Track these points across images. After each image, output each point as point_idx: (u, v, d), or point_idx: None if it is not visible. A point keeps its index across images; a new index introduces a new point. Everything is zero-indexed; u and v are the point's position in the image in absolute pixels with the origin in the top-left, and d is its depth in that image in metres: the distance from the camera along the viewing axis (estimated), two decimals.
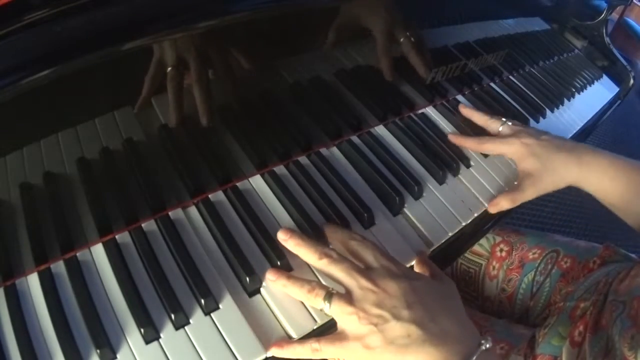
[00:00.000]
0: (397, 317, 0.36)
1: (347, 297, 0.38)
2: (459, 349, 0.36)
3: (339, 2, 0.48)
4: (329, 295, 0.38)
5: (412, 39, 0.55)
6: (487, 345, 0.37)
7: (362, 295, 0.37)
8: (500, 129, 0.60)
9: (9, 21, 0.29)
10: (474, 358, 0.35)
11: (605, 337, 0.46)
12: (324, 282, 0.42)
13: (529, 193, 0.55)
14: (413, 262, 0.47)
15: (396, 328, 0.36)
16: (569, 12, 0.95)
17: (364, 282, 0.38)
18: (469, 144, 0.60)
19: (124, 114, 0.40)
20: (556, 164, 0.54)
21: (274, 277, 0.40)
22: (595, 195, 0.55)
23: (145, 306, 0.38)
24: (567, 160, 0.54)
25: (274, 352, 0.38)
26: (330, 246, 0.43)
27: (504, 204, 0.55)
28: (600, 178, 0.54)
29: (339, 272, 0.39)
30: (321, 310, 0.39)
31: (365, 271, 0.39)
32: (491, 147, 0.59)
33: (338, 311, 0.37)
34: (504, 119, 0.60)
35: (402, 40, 0.55)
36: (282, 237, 0.42)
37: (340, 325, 0.38)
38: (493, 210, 0.55)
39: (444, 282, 0.43)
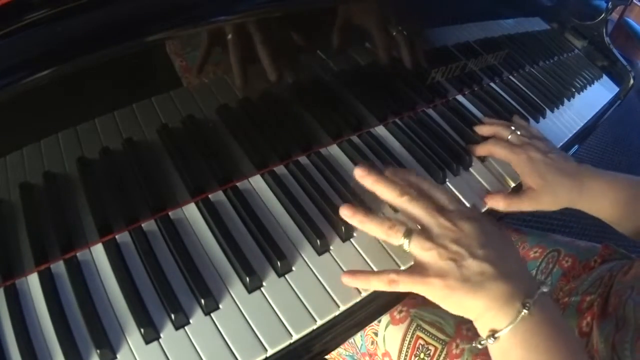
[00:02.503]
0: (473, 255, 0.38)
1: (426, 233, 0.40)
2: (523, 287, 0.38)
3: (339, 2, 0.48)
4: (409, 232, 0.40)
5: (405, 33, 0.54)
6: (545, 290, 0.39)
7: (441, 232, 0.39)
8: (509, 137, 0.59)
9: (9, 21, 0.29)
10: (536, 297, 0.37)
11: (614, 320, 0.47)
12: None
13: (526, 205, 0.55)
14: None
15: (473, 265, 0.38)
16: (569, 12, 0.95)
17: (443, 221, 0.40)
18: (481, 151, 0.60)
19: (124, 114, 0.40)
20: (558, 187, 0.53)
21: (349, 213, 0.42)
22: (593, 215, 0.55)
23: (145, 306, 0.38)
24: (569, 186, 0.53)
25: (345, 280, 0.40)
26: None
27: (499, 203, 0.55)
28: (600, 202, 0.54)
29: (419, 209, 0.41)
30: (400, 246, 0.40)
31: (443, 211, 0.41)
32: (499, 152, 0.58)
33: (418, 247, 0.39)
34: (513, 127, 0.60)
35: (395, 35, 0.55)
36: (360, 173, 0.43)
37: (420, 259, 0.40)
38: (489, 202, 0.56)
39: (505, 233, 0.46)
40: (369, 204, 0.49)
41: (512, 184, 0.60)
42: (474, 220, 0.41)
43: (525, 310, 0.37)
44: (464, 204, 0.43)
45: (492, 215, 0.57)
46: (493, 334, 0.37)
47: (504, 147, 0.57)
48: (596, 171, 0.55)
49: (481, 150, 0.60)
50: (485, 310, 0.38)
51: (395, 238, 0.40)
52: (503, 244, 0.41)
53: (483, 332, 0.39)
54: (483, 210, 0.56)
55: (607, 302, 0.50)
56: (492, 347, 0.38)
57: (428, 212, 0.40)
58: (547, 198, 0.54)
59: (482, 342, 0.39)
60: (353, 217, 0.42)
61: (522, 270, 0.41)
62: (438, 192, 0.43)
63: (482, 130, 0.62)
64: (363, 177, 0.43)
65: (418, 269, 0.40)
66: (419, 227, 0.41)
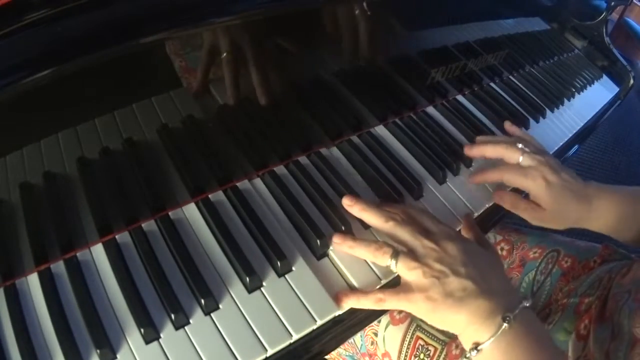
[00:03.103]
0: (455, 273, 0.40)
1: (412, 254, 0.42)
2: (504, 302, 0.40)
3: (338, 2, 0.48)
4: (395, 253, 0.42)
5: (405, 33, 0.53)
6: (527, 304, 0.40)
7: (425, 253, 0.42)
8: (521, 159, 0.55)
9: (9, 21, 0.29)
10: (517, 311, 0.39)
11: (610, 325, 0.47)
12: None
13: (529, 216, 0.55)
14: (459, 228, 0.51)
15: (455, 282, 0.40)
16: (569, 12, 0.95)
17: (427, 242, 0.42)
18: (490, 178, 0.56)
19: (124, 114, 0.40)
20: (569, 211, 0.53)
21: (339, 241, 0.44)
22: (596, 231, 0.55)
23: (145, 306, 0.38)
24: (580, 208, 0.53)
25: (343, 301, 0.42)
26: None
27: (506, 201, 0.55)
28: (605, 219, 0.53)
29: (404, 233, 0.43)
30: (387, 267, 0.42)
31: (427, 233, 0.43)
32: (512, 178, 0.54)
33: (404, 267, 0.41)
34: (520, 146, 0.55)
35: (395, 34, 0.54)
36: (348, 202, 0.46)
37: (406, 279, 0.42)
38: (496, 198, 0.56)
39: (489, 249, 0.47)
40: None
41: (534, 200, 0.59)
42: (457, 241, 0.43)
43: (505, 324, 0.38)
44: (448, 226, 0.45)
45: (488, 218, 0.56)
46: (476, 346, 0.39)
47: (519, 174, 0.54)
48: (600, 188, 0.54)
49: (490, 176, 0.56)
50: (468, 324, 0.40)
51: (383, 259, 0.42)
52: (486, 262, 0.43)
53: (467, 345, 0.41)
54: (481, 211, 0.56)
55: (605, 305, 0.50)
56: (476, 359, 0.40)
57: (413, 235, 0.43)
58: (554, 219, 0.54)
59: (467, 355, 0.40)
60: (343, 244, 0.44)
61: (504, 285, 0.43)
62: (423, 216, 0.46)
63: (487, 151, 0.57)
64: (351, 206, 0.46)
65: (403, 288, 0.42)
66: (405, 249, 0.43)
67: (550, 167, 0.53)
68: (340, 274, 0.45)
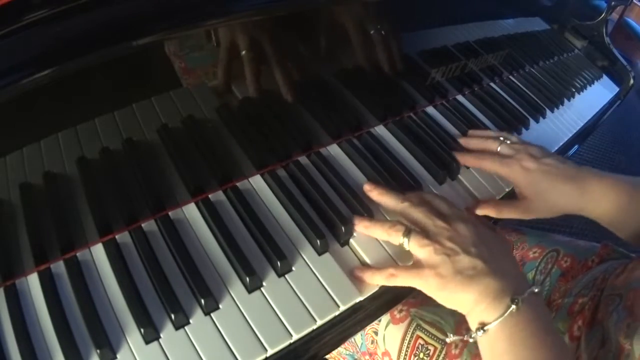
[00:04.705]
0: (466, 251, 0.41)
1: (424, 232, 0.43)
2: (514, 284, 0.40)
3: (338, 2, 0.48)
4: (408, 231, 0.43)
5: (383, 32, 0.53)
6: (536, 290, 0.40)
7: (437, 232, 0.43)
8: (499, 149, 0.56)
9: (9, 21, 0.29)
10: (525, 295, 0.39)
11: (600, 331, 0.46)
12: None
13: (520, 214, 0.54)
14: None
15: (465, 260, 0.41)
16: (569, 12, 0.95)
17: (439, 222, 0.43)
18: (468, 162, 0.58)
19: (124, 114, 0.40)
20: (557, 195, 0.52)
21: (357, 222, 0.46)
22: (594, 219, 0.53)
23: (145, 306, 0.38)
24: (567, 190, 0.52)
25: (358, 276, 0.44)
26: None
27: (489, 210, 0.55)
28: (601, 204, 0.52)
29: (418, 213, 0.45)
30: (400, 244, 0.43)
31: (440, 215, 0.45)
32: (489, 165, 0.56)
33: (416, 244, 0.42)
34: (501, 137, 0.57)
35: (395, 35, 0.54)
36: (368, 188, 0.50)
37: (417, 256, 0.43)
38: (478, 211, 0.55)
39: (500, 236, 0.47)
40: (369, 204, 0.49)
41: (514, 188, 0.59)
42: (469, 222, 0.44)
43: (513, 306, 0.39)
44: (461, 209, 0.46)
45: (488, 218, 0.56)
46: (482, 326, 0.40)
47: (493, 160, 0.55)
48: (596, 173, 0.53)
49: (469, 160, 0.58)
50: (476, 303, 0.40)
51: (396, 237, 0.43)
52: (497, 245, 0.44)
53: (473, 325, 0.41)
54: (480, 212, 0.56)
55: (598, 307, 0.49)
56: (481, 339, 0.40)
57: (426, 215, 0.44)
58: (542, 207, 0.53)
59: (473, 335, 0.41)
60: (359, 225, 0.46)
61: (515, 269, 0.43)
62: (437, 199, 0.47)
63: (470, 144, 0.60)
64: (370, 190, 0.49)
65: (415, 265, 0.43)
66: (418, 229, 0.44)
67: (529, 155, 0.54)
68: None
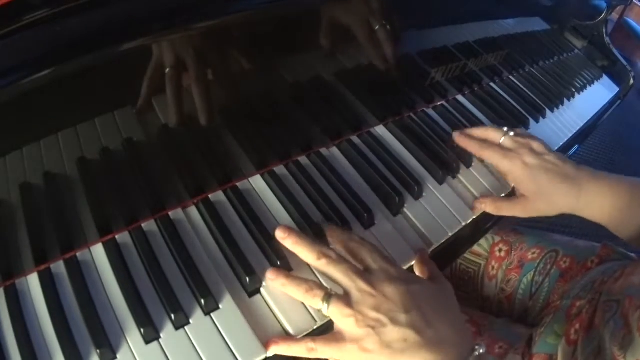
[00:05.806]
0: (394, 322, 0.36)
1: (346, 298, 0.38)
2: (454, 353, 0.37)
3: (337, 2, 0.48)
4: (328, 297, 0.38)
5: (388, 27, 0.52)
6: (481, 351, 0.37)
7: (360, 298, 0.37)
8: (502, 140, 0.55)
9: (9, 21, 0.29)
10: None
11: (597, 338, 0.46)
12: (324, 283, 0.42)
13: (517, 211, 0.54)
14: (413, 262, 0.47)
15: (393, 332, 0.36)
16: (569, 12, 0.95)
17: (362, 285, 0.37)
18: (470, 147, 0.56)
19: (124, 114, 0.39)
20: (555, 194, 0.51)
21: (273, 277, 0.40)
22: (592, 220, 0.53)
23: (145, 306, 0.38)
24: (568, 192, 0.51)
25: (271, 348, 0.38)
26: (331, 246, 0.43)
27: (488, 207, 0.54)
28: (599, 205, 0.51)
29: (337, 273, 0.38)
30: (319, 310, 0.39)
31: (364, 273, 0.39)
32: (490, 155, 0.54)
33: (336, 313, 0.37)
34: (506, 129, 0.56)
35: (396, 34, 0.53)
36: (281, 235, 0.41)
37: (338, 326, 0.38)
38: (477, 206, 0.55)
39: (441, 284, 0.43)
40: None
41: (513, 184, 0.59)
42: (399, 282, 0.38)
43: None
44: (392, 262, 0.41)
45: (486, 216, 0.56)
46: None
47: (495, 151, 0.54)
48: (595, 173, 0.53)
49: (470, 145, 0.56)
50: None
51: (313, 302, 0.39)
52: (434, 306, 0.39)
53: None
54: (480, 212, 0.56)
55: (596, 312, 0.48)
56: None
57: (347, 276, 0.38)
58: (541, 206, 0.52)
59: None
60: (276, 280, 0.40)
61: (456, 333, 0.39)
62: (363, 250, 0.41)
63: (474, 132, 0.58)
64: (283, 239, 0.41)
65: (335, 336, 0.38)
66: (340, 292, 0.39)
67: (531, 150, 0.53)
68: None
